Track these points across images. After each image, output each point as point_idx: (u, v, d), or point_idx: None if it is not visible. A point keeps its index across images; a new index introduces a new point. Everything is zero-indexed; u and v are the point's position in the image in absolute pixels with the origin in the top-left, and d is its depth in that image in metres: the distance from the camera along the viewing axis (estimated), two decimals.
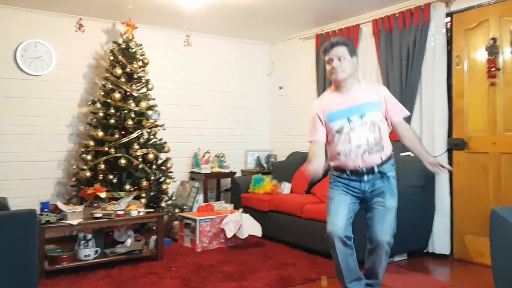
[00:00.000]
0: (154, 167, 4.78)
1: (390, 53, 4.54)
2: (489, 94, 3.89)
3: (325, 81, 5.28)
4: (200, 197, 5.36)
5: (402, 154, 4.34)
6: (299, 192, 4.85)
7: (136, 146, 4.59)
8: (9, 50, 4.66)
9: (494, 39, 3.81)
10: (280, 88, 6.22)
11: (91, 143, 4.61)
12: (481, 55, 3.94)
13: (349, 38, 5.00)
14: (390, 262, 3.96)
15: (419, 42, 4.25)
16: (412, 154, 4.26)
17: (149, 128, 4.80)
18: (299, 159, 5.28)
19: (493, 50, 3.81)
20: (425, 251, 4.23)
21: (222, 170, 5.65)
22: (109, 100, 4.63)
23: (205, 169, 5.51)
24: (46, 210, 3.74)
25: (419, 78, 4.30)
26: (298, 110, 5.91)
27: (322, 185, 4.62)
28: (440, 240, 4.15)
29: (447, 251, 4.12)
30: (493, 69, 3.82)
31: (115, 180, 4.51)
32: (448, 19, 4.16)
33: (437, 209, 4.16)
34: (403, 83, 4.38)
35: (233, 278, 3.51)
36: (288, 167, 5.27)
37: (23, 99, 4.73)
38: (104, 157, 4.52)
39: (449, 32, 4.17)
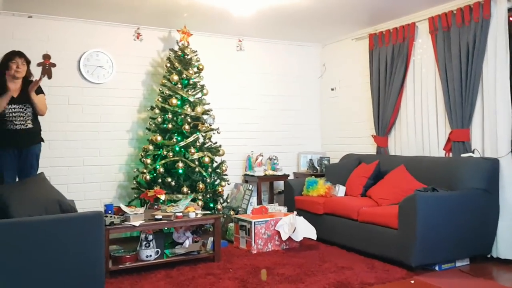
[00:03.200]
0: (209, 170, 4.89)
1: (449, 52, 4.40)
2: None
3: (380, 82, 5.19)
4: (254, 199, 5.42)
5: (463, 155, 4.20)
6: (354, 195, 4.79)
7: (192, 150, 4.71)
8: (73, 60, 4.93)
9: None
10: (332, 89, 6.18)
11: (150, 147, 4.78)
12: None
13: (404, 36, 4.90)
14: (451, 267, 3.84)
15: (479, 39, 4.09)
16: (474, 155, 4.14)
17: (204, 132, 4.91)
18: (353, 161, 5.23)
19: None
20: (488, 256, 4.06)
21: (275, 173, 5.68)
22: (166, 106, 4.78)
23: (258, 171, 5.56)
24: (110, 212, 3.91)
25: (480, 76, 4.14)
26: (350, 112, 5.84)
27: (378, 187, 4.55)
28: (505, 244, 3.96)
29: None
30: None
31: (173, 183, 4.65)
32: (510, 14, 3.98)
33: (502, 212, 3.98)
34: (463, 82, 4.24)
35: (290, 281, 3.52)
36: (342, 170, 5.22)
37: (86, 106, 4.98)
38: (163, 161, 4.67)
39: None
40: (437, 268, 3.78)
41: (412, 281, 3.41)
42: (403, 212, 3.71)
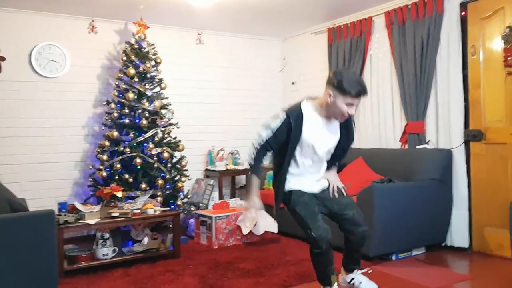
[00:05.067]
0: (169, 165, 4.81)
1: (404, 45, 4.48)
2: (506, 84, 3.82)
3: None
4: (215, 194, 5.38)
5: (418, 146, 4.30)
6: None
7: (151, 145, 4.62)
8: (24, 54, 4.73)
9: (510, 28, 3.73)
10: (293, 83, 6.20)
11: (107, 143, 4.66)
12: (497, 44, 3.87)
13: (361, 31, 4.96)
14: (408, 256, 3.93)
15: (433, 33, 4.19)
16: (429, 146, 4.25)
17: (163, 127, 4.82)
18: None
19: (509, 38, 3.74)
20: (443, 244, 4.18)
21: (237, 167, 5.66)
22: (123, 100, 4.66)
23: (220, 166, 5.52)
24: (64, 210, 3.79)
25: (434, 69, 4.24)
26: None
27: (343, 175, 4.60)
28: (458, 233, 4.09)
29: (465, 244, 4.07)
30: (509, 58, 3.74)
31: (131, 180, 4.55)
32: (463, 8, 4.09)
33: (455, 202, 4.10)
34: (418, 75, 4.33)
35: (250, 275, 3.51)
36: None
37: (39, 101, 4.80)
38: (120, 157, 4.55)
39: (464, 22, 4.10)
40: (394, 257, 3.86)
41: (370, 271, 3.46)
42: (360, 203, 3.72)
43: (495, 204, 3.89)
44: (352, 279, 3.10)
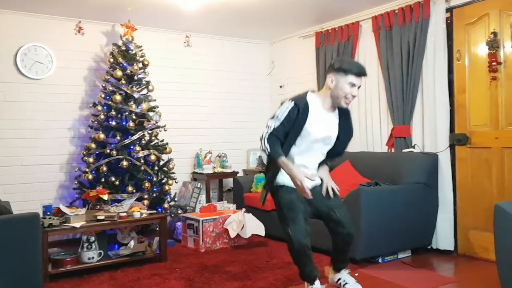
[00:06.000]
0: (156, 168, 4.78)
1: (391, 50, 4.52)
2: (491, 89, 3.87)
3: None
4: (203, 197, 5.36)
5: (404, 150, 4.34)
6: None
7: (137, 148, 4.59)
8: (9, 55, 4.67)
9: (494, 33, 3.79)
10: (281, 87, 6.21)
11: (93, 145, 4.61)
12: (482, 50, 3.92)
13: (349, 35, 4.99)
14: (394, 259, 3.95)
15: (419, 38, 4.23)
16: (415, 150, 4.30)
17: (150, 130, 4.79)
18: None
19: (494, 44, 3.80)
20: (429, 247, 4.21)
21: (224, 170, 5.65)
22: (110, 102, 4.63)
23: (207, 169, 5.50)
24: (49, 213, 3.73)
25: (420, 74, 4.29)
26: None
27: None
28: (444, 236, 4.13)
29: (451, 247, 4.11)
30: (494, 63, 3.80)
31: (117, 182, 4.51)
32: (448, 14, 4.14)
33: (441, 205, 4.14)
34: (404, 79, 4.37)
35: (237, 278, 3.50)
36: None
37: (24, 103, 4.74)
38: (106, 159, 4.52)
39: (449, 27, 4.15)
40: (380, 260, 3.88)
41: (357, 274, 3.47)
42: (347, 207, 3.75)
43: (480, 207, 3.94)
44: (339, 279, 3.12)
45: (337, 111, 2.97)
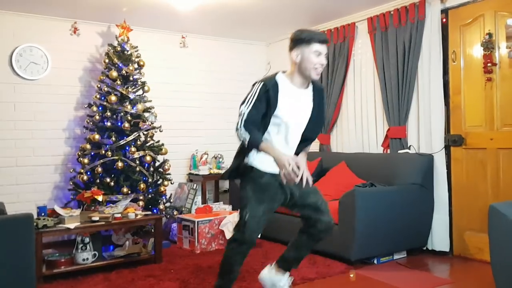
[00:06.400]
0: (151, 169, 4.77)
1: (386, 51, 4.53)
2: (486, 90, 3.88)
3: (322, 80, 5.27)
4: (199, 198, 5.35)
5: (400, 151, 4.34)
6: None
7: (133, 149, 4.57)
8: (4, 55, 4.65)
9: (489, 34, 3.80)
10: None
11: (88, 146, 4.60)
12: (477, 51, 3.93)
13: (345, 36, 5.00)
14: (389, 260, 3.95)
15: (414, 39, 4.24)
16: (410, 151, 4.30)
17: (146, 130, 4.78)
18: None
19: (489, 45, 3.80)
20: (424, 248, 4.22)
21: (220, 171, 5.63)
22: (105, 103, 4.62)
23: (203, 170, 5.49)
24: (43, 214, 3.72)
25: (416, 75, 4.29)
26: None
27: (320, 184, 4.61)
28: (439, 237, 4.13)
29: (446, 248, 4.11)
30: (489, 64, 3.81)
31: (112, 183, 4.50)
32: (443, 15, 4.15)
33: (436, 206, 4.14)
34: (400, 81, 4.37)
35: None
36: None
37: (19, 104, 4.72)
38: (101, 160, 4.50)
39: (445, 28, 4.16)
40: (375, 261, 3.88)
41: (352, 275, 3.47)
42: (342, 208, 3.77)
43: (475, 208, 3.94)
44: (282, 283, 2.95)
45: (310, 88, 2.80)
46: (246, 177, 2.74)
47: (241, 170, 2.76)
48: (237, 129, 2.61)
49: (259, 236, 4.40)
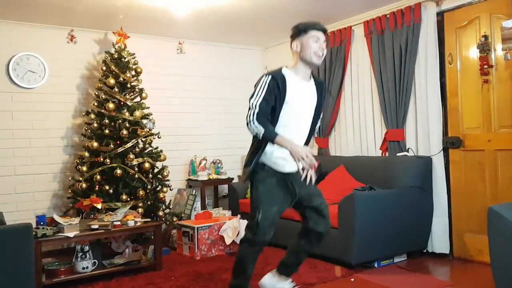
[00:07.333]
0: (150, 176, 4.77)
1: (383, 54, 4.54)
2: (483, 92, 3.89)
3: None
4: (198, 204, 5.34)
5: (398, 154, 4.35)
6: None
7: (131, 156, 4.57)
8: (1, 64, 4.65)
9: (485, 37, 3.81)
10: None
11: (86, 154, 4.59)
12: (473, 53, 3.94)
13: (341, 40, 5.01)
14: (390, 263, 3.95)
15: (411, 42, 4.25)
16: (409, 154, 4.30)
17: (144, 137, 4.78)
18: None
19: (485, 47, 3.82)
20: (424, 251, 4.21)
21: (219, 177, 5.63)
22: (103, 111, 4.61)
23: (202, 176, 5.49)
24: (42, 223, 3.71)
25: (413, 78, 4.30)
26: None
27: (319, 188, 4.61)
28: (439, 240, 4.13)
29: (446, 250, 4.11)
30: (485, 66, 3.82)
31: (111, 191, 4.49)
32: (439, 18, 4.17)
33: (435, 209, 4.14)
34: (397, 84, 4.38)
35: None
36: None
37: (17, 113, 4.71)
38: (100, 168, 4.49)
39: (441, 31, 4.17)
40: (376, 265, 3.88)
41: (352, 279, 3.47)
42: (342, 212, 3.77)
43: (474, 210, 3.94)
44: None
45: (312, 82, 2.88)
46: (258, 177, 2.75)
47: (254, 170, 2.76)
48: (248, 122, 2.61)
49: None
